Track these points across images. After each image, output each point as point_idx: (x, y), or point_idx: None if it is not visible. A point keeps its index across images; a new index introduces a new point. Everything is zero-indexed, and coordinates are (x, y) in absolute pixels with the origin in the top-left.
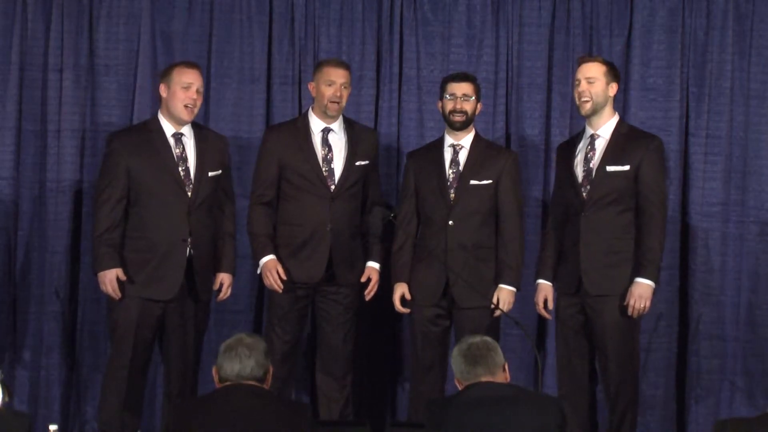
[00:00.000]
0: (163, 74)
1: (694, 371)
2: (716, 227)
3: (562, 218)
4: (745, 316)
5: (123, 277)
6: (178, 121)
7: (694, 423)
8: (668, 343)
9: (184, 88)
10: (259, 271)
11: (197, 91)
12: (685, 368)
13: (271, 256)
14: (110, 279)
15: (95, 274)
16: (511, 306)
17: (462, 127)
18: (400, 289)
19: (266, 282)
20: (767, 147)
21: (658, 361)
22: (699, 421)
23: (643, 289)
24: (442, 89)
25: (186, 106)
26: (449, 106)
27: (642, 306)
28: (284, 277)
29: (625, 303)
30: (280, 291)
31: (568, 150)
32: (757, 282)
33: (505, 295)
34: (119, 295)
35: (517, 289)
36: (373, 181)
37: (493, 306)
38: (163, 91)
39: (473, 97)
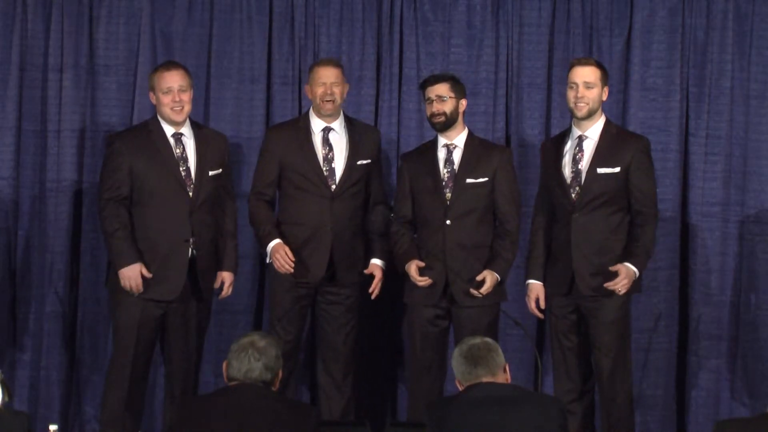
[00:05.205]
0: (149, 82)
1: (694, 371)
2: (716, 227)
3: (550, 218)
4: (745, 316)
5: (148, 274)
6: (174, 124)
7: (694, 423)
8: (668, 343)
9: (165, 93)
10: (268, 260)
11: (180, 91)
12: (685, 368)
13: (278, 240)
14: (135, 274)
15: (117, 271)
16: (488, 290)
17: (443, 128)
18: (413, 264)
19: (276, 265)
20: (767, 147)
21: (658, 361)
22: (699, 421)
23: (630, 273)
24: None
25: (173, 109)
26: (428, 110)
27: (621, 287)
28: (293, 258)
29: (610, 284)
30: (292, 271)
31: (554, 150)
32: (757, 282)
33: (490, 279)
34: (141, 289)
35: (503, 281)
36: (376, 179)
37: (473, 289)
38: (152, 98)
39: (451, 96)
